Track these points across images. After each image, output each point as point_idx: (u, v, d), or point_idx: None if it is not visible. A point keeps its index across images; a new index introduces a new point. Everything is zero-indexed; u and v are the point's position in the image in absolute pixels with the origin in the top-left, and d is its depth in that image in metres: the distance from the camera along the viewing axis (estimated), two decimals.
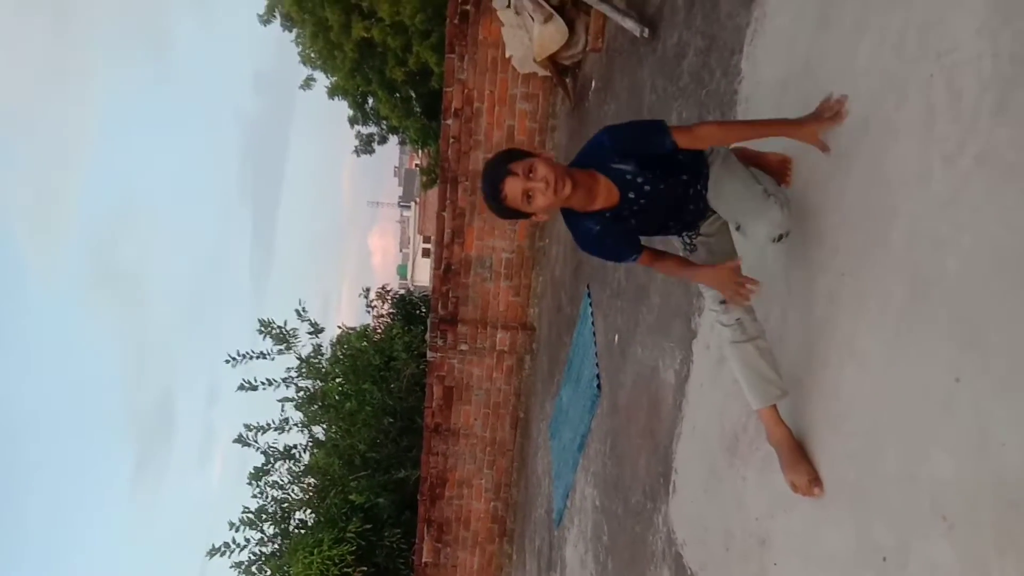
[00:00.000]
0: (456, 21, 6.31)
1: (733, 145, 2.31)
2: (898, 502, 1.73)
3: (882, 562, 1.77)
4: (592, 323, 5.12)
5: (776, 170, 2.36)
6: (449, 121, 6.49)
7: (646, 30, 4.22)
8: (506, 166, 2.01)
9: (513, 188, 2.00)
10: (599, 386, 4.78)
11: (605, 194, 2.09)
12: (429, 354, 6.97)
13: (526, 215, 2.07)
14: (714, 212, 2.22)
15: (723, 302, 2.19)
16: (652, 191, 2.09)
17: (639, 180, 2.07)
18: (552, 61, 5.98)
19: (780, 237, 2.17)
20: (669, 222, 2.22)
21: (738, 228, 2.20)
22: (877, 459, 1.83)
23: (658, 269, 2.41)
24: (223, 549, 8.83)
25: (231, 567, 8.90)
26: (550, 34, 5.73)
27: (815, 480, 2.08)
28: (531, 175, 1.99)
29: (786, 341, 2.32)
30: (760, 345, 2.20)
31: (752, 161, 2.34)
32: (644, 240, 2.26)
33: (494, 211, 2.09)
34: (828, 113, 2.10)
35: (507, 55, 6.24)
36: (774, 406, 2.21)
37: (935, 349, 1.64)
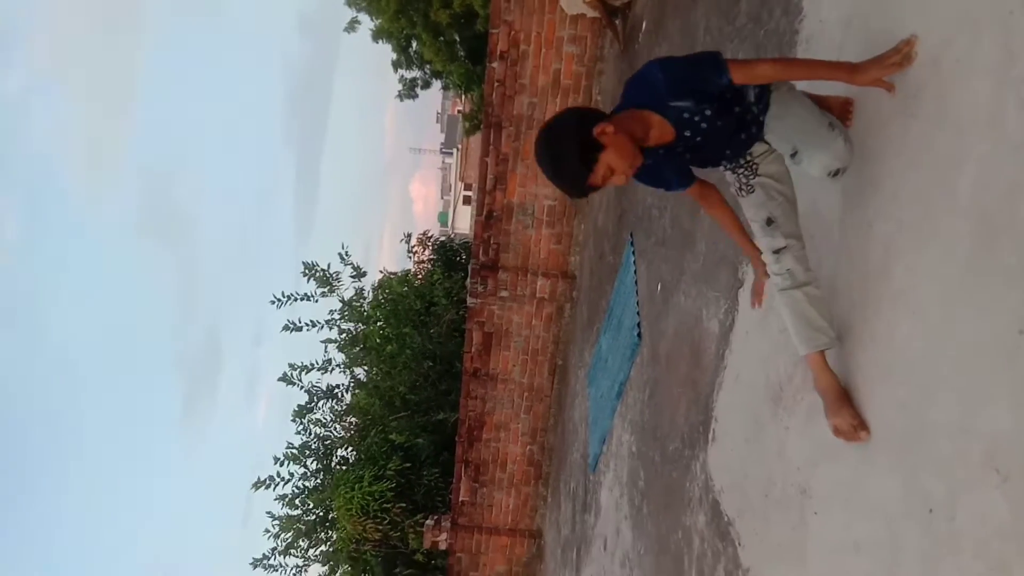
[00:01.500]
0: None
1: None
2: (948, 453, 1.70)
3: (928, 513, 1.75)
4: (635, 271, 5.09)
5: (837, 111, 2.27)
6: (494, 64, 6.39)
7: None
8: (587, 180, 1.92)
9: (598, 191, 1.99)
10: (639, 335, 4.77)
11: (658, 133, 2.03)
12: (469, 300, 7.02)
13: None
14: (766, 143, 2.14)
15: (775, 251, 2.14)
16: (709, 128, 2.02)
17: (696, 119, 2.01)
18: (602, 1, 5.81)
19: (838, 172, 2.10)
20: (724, 151, 2.16)
21: (793, 156, 2.12)
22: (929, 409, 1.79)
23: (706, 210, 2.38)
24: (268, 482, 9.17)
25: (275, 499, 9.25)
26: None
27: (860, 424, 2.05)
28: (613, 176, 1.94)
29: (839, 290, 2.27)
30: (810, 292, 2.15)
31: (812, 100, 2.25)
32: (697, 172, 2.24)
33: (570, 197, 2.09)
34: (895, 57, 2.00)
35: None
36: (822, 353, 2.18)
37: (1000, 299, 1.59)
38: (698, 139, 2.04)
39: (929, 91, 1.91)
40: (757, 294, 2.77)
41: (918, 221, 1.92)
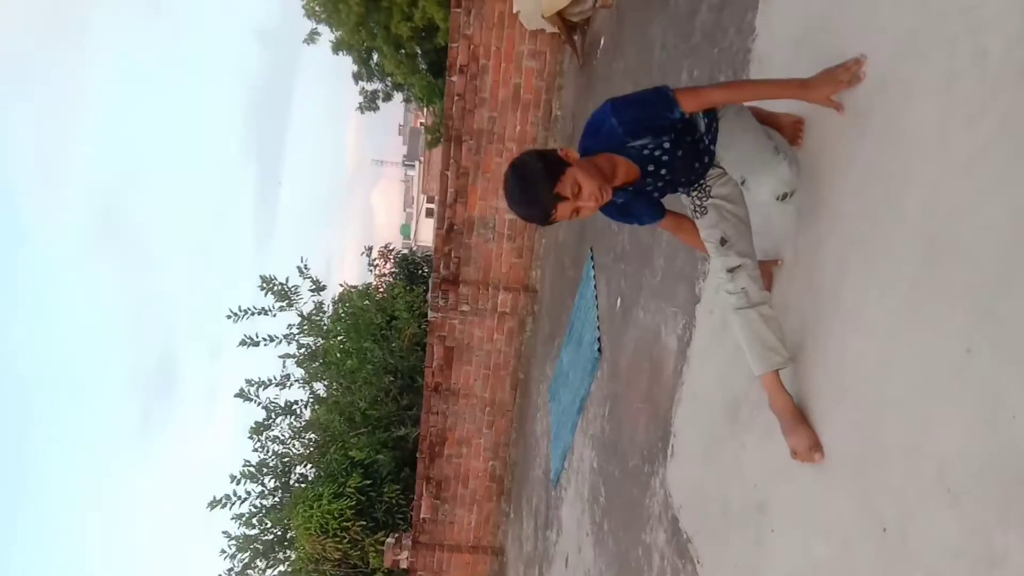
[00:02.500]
0: None
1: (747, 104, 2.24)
2: (901, 473, 1.70)
3: (882, 532, 1.75)
4: (595, 286, 5.08)
5: (788, 131, 2.29)
6: (454, 78, 6.37)
7: None
8: (552, 192, 1.90)
9: (564, 210, 1.94)
10: (600, 349, 4.76)
11: (624, 172, 2.05)
12: (430, 314, 6.96)
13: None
14: (720, 167, 2.16)
15: (730, 270, 2.14)
16: (671, 159, 2.04)
17: (656, 153, 2.02)
18: (561, 17, 5.84)
19: (785, 196, 2.11)
20: (681, 179, 2.17)
21: (743, 183, 2.14)
22: (881, 429, 1.80)
23: (681, 237, 2.40)
24: (224, 501, 8.95)
25: (232, 519, 9.04)
26: None
27: (816, 446, 2.05)
28: (579, 193, 1.92)
29: (791, 309, 2.28)
30: (764, 312, 2.16)
31: (763, 120, 2.27)
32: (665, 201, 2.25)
33: (537, 224, 2.06)
34: (843, 75, 2.02)
35: (514, 10, 6.09)
36: (776, 373, 2.18)
37: (946, 319, 1.60)
38: (662, 171, 2.06)
39: (877, 111, 1.93)
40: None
41: (867, 240, 1.93)
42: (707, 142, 2.11)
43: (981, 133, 1.56)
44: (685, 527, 3.01)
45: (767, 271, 2.38)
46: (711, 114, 2.10)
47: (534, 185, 1.93)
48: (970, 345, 1.52)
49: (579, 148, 2.07)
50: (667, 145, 2.01)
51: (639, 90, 2.05)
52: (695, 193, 2.20)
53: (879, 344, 1.84)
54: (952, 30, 1.67)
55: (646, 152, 2.02)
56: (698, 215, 2.23)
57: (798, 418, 2.13)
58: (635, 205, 2.18)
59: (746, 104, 2.24)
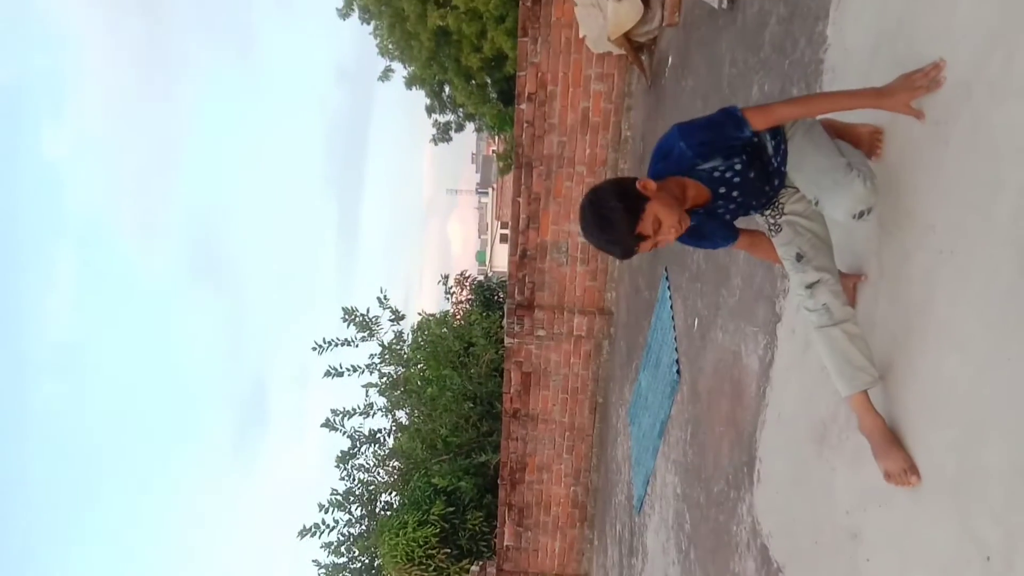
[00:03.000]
0: (529, 3, 6.24)
1: (819, 116, 2.18)
2: (1004, 497, 1.59)
3: (986, 561, 1.64)
4: (671, 307, 5.00)
5: (866, 142, 2.22)
6: (523, 106, 6.44)
7: (725, 0, 4.05)
8: (634, 231, 1.90)
9: (645, 247, 1.95)
10: (679, 371, 4.67)
11: (694, 194, 2.04)
12: (506, 340, 6.98)
13: None
14: (792, 185, 2.11)
15: (808, 286, 2.08)
16: (742, 181, 2.02)
17: (727, 175, 2.00)
18: (627, 39, 5.84)
19: (862, 214, 2.04)
20: (753, 202, 2.13)
21: (816, 203, 2.08)
22: (980, 450, 1.69)
23: (754, 253, 2.37)
24: (313, 530, 9.16)
25: (321, 547, 9.23)
26: (625, 11, 5.59)
27: (911, 468, 1.95)
28: (659, 230, 1.92)
29: (878, 326, 2.18)
30: (848, 329, 2.07)
31: (839, 133, 2.20)
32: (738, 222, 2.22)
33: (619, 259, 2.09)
34: (922, 81, 1.94)
35: (581, 35, 6.13)
36: (865, 393, 2.09)
37: None
38: (734, 193, 2.03)
39: (961, 116, 1.85)
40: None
41: (957, 251, 1.83)
42: (776, 164, 2.06)
43: None
44: (775, 556, 2.89)
45: (850, 286, 2.29)
46: (779, 136, 2.05)
47: (614, 225, 1.92)
48: None
49: (649, 174, 2.06)
50: (738, 167, 1.99)
51: (705, 115, 2.03)
52: (768, 212, 2.16)
53: (975, 360, 1.74)
54: None
55: (716, 175, 2.00)
56: (772, 233, 2.18)
57: (890, 440, 2.03)
58: (707, 227, 2.16)
59: (820, 117, 2.18)
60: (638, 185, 1.92)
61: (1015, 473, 1.57)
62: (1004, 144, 1.69)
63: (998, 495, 1.62)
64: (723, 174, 2.00)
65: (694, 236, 2.17)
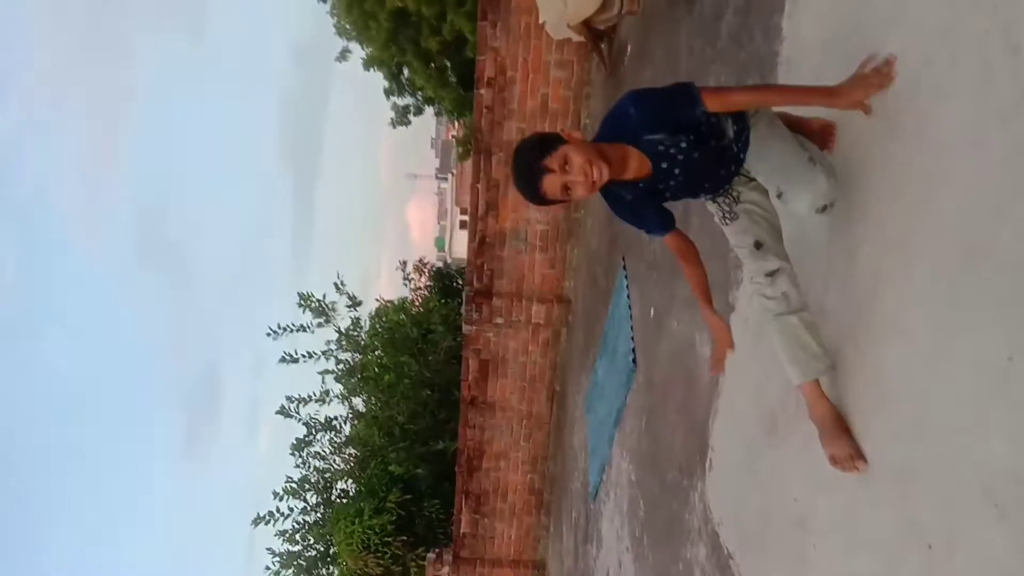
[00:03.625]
0: None
1: (776, 109, 2.19)
2: (946, 487, 1.63)
3: (928, 549, 1.68)
4: (628, 296, 5.03)
5: (819, 136, 2.23)
6: (482, 91, 6.39)
7: None
8: (540, 163, 1.89)
9: (551, 184, 1.91)
10: (635, 360, 4.70)
11: (636, 165, 2.00)
12: (464, 327, 6.96)
13: (564, 202, 2.00)
14: (747, 174, 2.11)
15: (768, 274, 2.08)
16: (686, 159, 1.99)
17: (671, 151, 1.97)
18: (587, 26, 5.81)
19: (825, 208, 2.05)
20: (704, 184, 2.12)
21: (779, 196, 2.08)
22: (924, 441, 1.73)
23: (680, 260, 2.28)
24: (268, 518, 9.04)
25: (275, 535, 9.12)
26: None
27: (857, 454, 1.98)
28: (567, 168, 1.89)
29: (828, 315, 2.21)
30: (804, 317, 2.09)
31: (793, 126, 2.21)
32: (681, 211, 2.20)
33: (531, 203, 2.03)
34: (874, 78, 1.96)
35: (540, 21, 6.08)
36: (817, 381, 2.11)
37: (988, 326, 1.53)
38: (676, 171, 2.00)
39: (910, 112, 1.87)
40: (718, 361, 2.56)
41: (905, 245, 1.86)
42: (736, 149, 2.05)
43: (1017, 131, 1.50)
44: (726, 542, 2.94)
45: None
46: (741, 121, 2.05)
47: (524, 156, 1.94)
48: (1012, 353, 1.45)
49: (595, 136, 2.05)
50: (683, 145, 1.96)
51: (662, 85, 2.02)
52: (721, 199, 2.15)
53: (919, 351, 1.78)
54: (983, 25, 1.61)
55: (660, 148, 1.97)
56: (727, 221, 2.18)
57: (841, 427, 2.06)
58: (644, 206, 2.11)
59: (775, 110, 2.19)
60: (562, 132, 1.95)
61: (957, 462, 1.61)
62: (949, 141, 1.71)
63: (940, 484, 1.65)
64: (667, 149, 1.97)
65: (631, 211, 2.14)
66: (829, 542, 2.15)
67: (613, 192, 2.09)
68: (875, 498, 1.92)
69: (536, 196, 1.95)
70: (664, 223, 2.14)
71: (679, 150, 1.97)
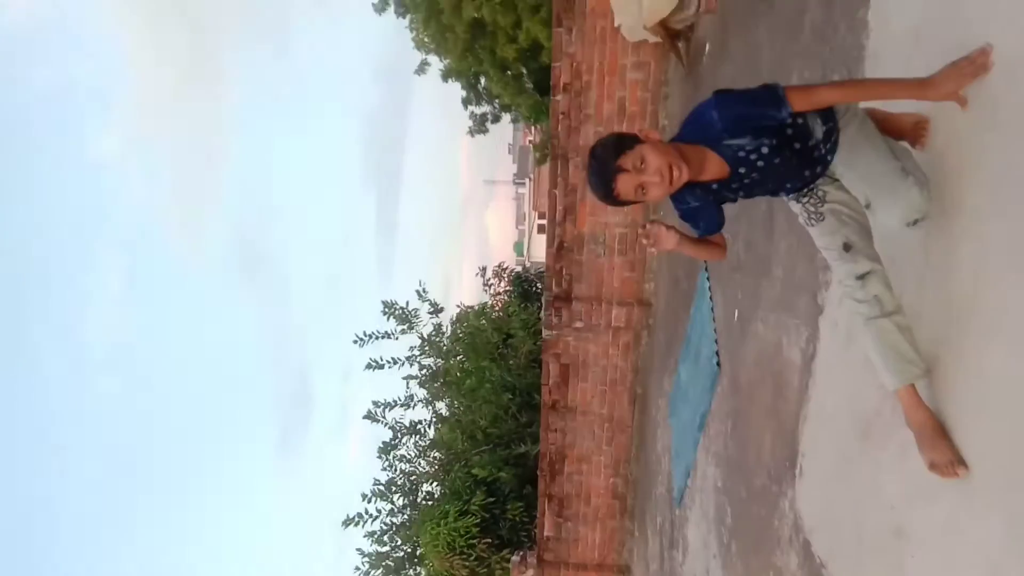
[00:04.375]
0: None
1: (863, 105, 2.12)
2: None
3: None
4: (710, 298, 4.95)
5: (910, 132, 2.16)
6: (558, 97, 6.41)
7: None
8: (615, 163, 1.89)
9: (625, 184, 1.91)
10: (719, 364, 4.62)
11: (715, 169, 1.98)
12: (544, 332, 6.99)
13: (639, 202, 2.01)
14: (833, 176, 2.06)
15: (859, 277, 2.02)
16: (766, 165, 1.96)
17: (752, 156, 1.94)
18: (663, 26, 5.77)
19: (916, 221, 1.98)
20: (785, 185, 2.08)
21: (867, 206, 2.02)
22: None
23: (697, 247, 2.26)
24: (356, 519, 9.30)
25: (364, 536, 9.37)
26: None
27: (958, 460, 1.90)
28: (643, 167, 1.89)
29: (924, 318, 2.13)
30: (898, 321, 2.02)
31: (883, 123, 2.15)
32: (764, 209, 2.18)
33: (605, 203, 2.03)
34: (968, 67, 1.88)
35: (616, 24, 6.07)
36: (913, 386, 2.04)
37: None
38: (754, 174, 1.98)
39: (1007, 102, 1.79)
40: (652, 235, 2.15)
41: (1006, 241, 1.78)
42: (823, 151, 2.00)
43: None
44: (818, 551, 2.85)
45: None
46: (831, 121, 1.99)
47: (600, 158, 1.93)
48: None
49: (675, 137, 2.03)
50: (765, 150, 1.93)
51: (747, 87, 1.99)
52: (807, 200, 2.11)
53: (1023, 353, 1.69)
54: None
55: (741, 154, 1.95)
56: (813, 222, 2.13)
57: (940, 432, 1.98)
58: (707, 210, 2.11)
59: (863, 105, 2.12)
60: (640, 132, 1.94)
61: None
62: None
63: None
64: (748, 155, 1.94)
65: (690, 212, 2.13)
66: (929, 552, 2.07)
67: (682, 194, 2.09)
68: (977, 507, 1.83)
69: (610, 196, 1.94)
70: (714, 227, 2.17)
71: (760, 156, 1.94)
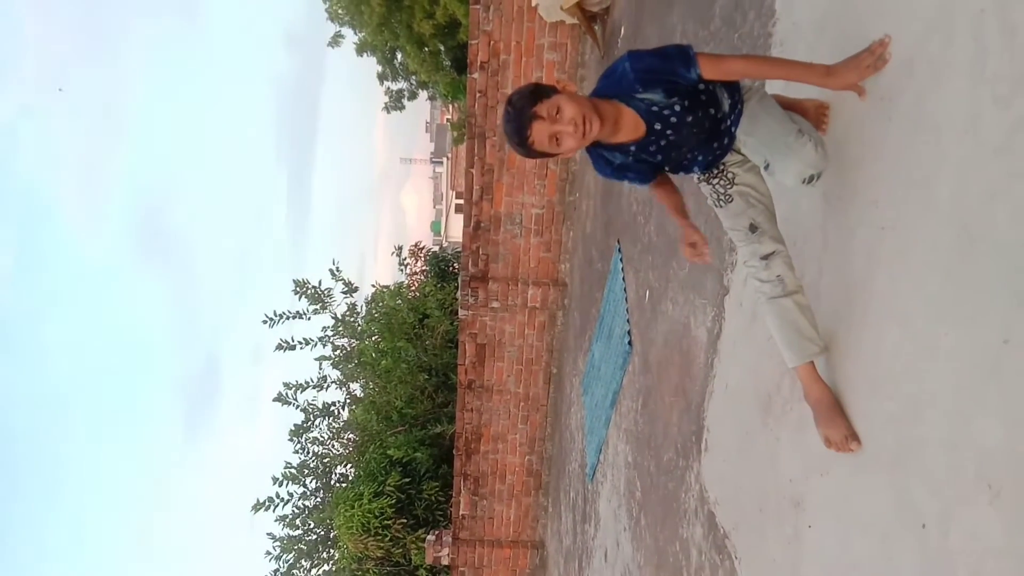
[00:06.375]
0: None
1: (769, 90, 2.18)
2: (940, 468, 1.65)
3: (921, 529, 1.69)
4: (623, 279, 5.04)
5: (812, 116, 2.23)
6: (475, 75, 6.35)
7: None
8: (530, 109, 1.86)
9: (540, 132, 1.88)
10: (630, 343, 4.72)
11: (631, 126, 1.98)
12: (461, 312, 6.96)
13: (552, 154, 1.98)
14: (739, 152, 2.11)
15: (763, 257, 2.08)
16: (679, 122, 1.97)
17: (665, 112, 1.96)
18: (580, 8, 5.78)
19: (812, 178, 2.05)
20: (697, 155, 2.11)
21: (766, 167, 2.08)
22: (918, 422, 1.74)
23: (656, 195, 2.28)
24: (267, 503, 9.09)
25: (275, 520, 9.18)
26: None
27: (852, 435, 2.00)
28: (558, 116, 1.87)
29: (822, 298, 2.22)
30: (799, 300, 2.10)
31: (787, 107, 2.21)
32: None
33: (519, 153, 1.99)
34: (868, 59, 1.95)
35: (533, 3, 6.04)
36: (812, 363, 2.13)
37: (983, 309, 1.54)
38: (668, 132, 1.99)
39: (904, 93, 1.87)
40: (697, 246, 2.21)
41: (899, 228, 1.87)
42: (729, 123, 2.05)
43: (1013, 113, 1.49)
44: (722, 522, 2.96)
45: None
46: (736, 95, 2.04)
47: (516, 105, 1.90)
48: (1008, 336, 1.46)
49: (591, 93, 2.03)
50: (677, 107, 1.95)
51: (663, 45, 2.00)
52: (716, 181, 2.15)
53: (914, 334, 1.78)
54: (979, 5, 1.60)
55: (654, 108, 1.96)
56: (721, 203, 2.18)
57: (836, 408, 2.07)
58: (633, 167, 2.11)
59: (769, 93, 2.18)
60: (557, 84, 1.93)
61: (949, 445, 1.62)
62: (944, 121, 1.71)
63: (934, 465, 1.67)
64: (661, 109, 1.96)
65: (615, 171, 2.14)
66: (824, 522, 2.17)
67: (601, 154, 2.09)
68: (869, 480, 1.93)
69: (523, 144, 1.91)
70: (650, 174, 2.15)
71: (672, 112, 1.96)
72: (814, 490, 2.23)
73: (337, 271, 10.00)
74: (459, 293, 6.99)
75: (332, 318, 9.90)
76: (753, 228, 2.11)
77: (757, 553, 2.63)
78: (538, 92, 1.90)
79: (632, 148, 2.04)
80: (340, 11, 9.82)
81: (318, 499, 9.48)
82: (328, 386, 9.86)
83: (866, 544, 1.92)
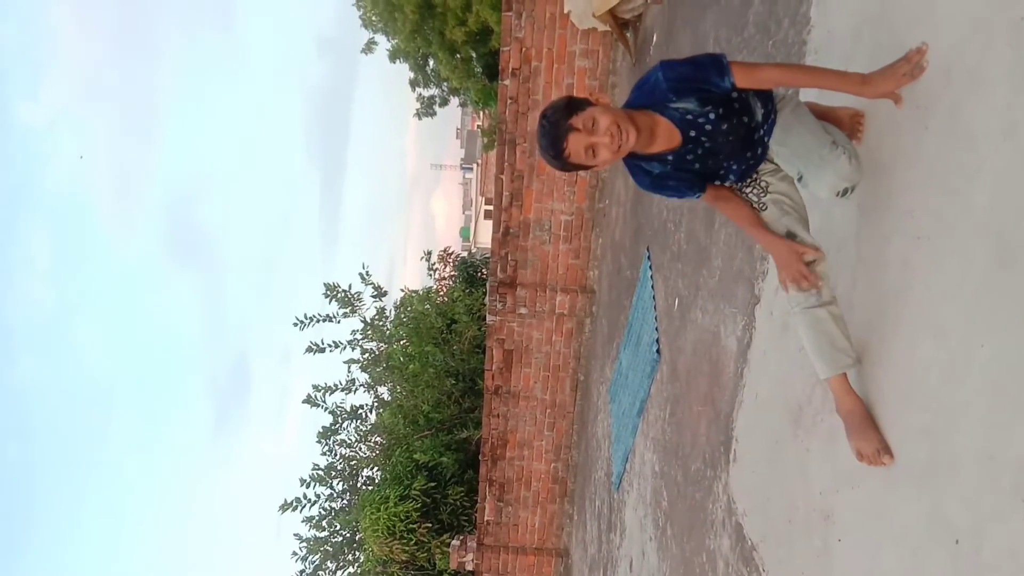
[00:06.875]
0: None
1: (803, 97, 2.17)
2: (974, 482, 1.62)
3: (955, 544, 1.66)
4: (652, 286, 5.01)
5: (847, 125, 2.21)
6: (506, 81, 6.38)
7: None
8: (566, 122, 1.88)
9: (576, 145, 1.89)
10: (659, 351, 4.69)
11: (666, 136, 1.98)
12: (488, 318, 6.98)
13: (588, 167, 1.99)
14: (773, 161, 2.09)
15: None
16: (714, 130, 1.97)
17: (700, 120, 1.95)
18: (612, 15, 5.78)
19: (846, 191, 2.03)
20: (731, 164, 2.09)
21: (800, 179, 2.07)
22: (953, 436, 1.71)
23: (721, 209, 2.25)
24: (294, 504, 9.18)
25: (302, 521, 9.26)
26: None
27: (884, 448, 1.97)
28: (593, 128, 1.88)
29: (856, 309, 2.20)
30: (833, 311, 2.07)
31: (821, 116, 2.19)
32: (706, 206, 2.18)
33: (555, 167, 2.00)
34: (905, 68, 1.93)
35: (565, 10, 6.06)
36: (844, 375, 2.10)
37: (1019, 319, 1.51)
38: (704, 140, 1.99)
39: (941, 101, 1.84)
40: (801, 274, 2.06)
41: (935, 237, 1.84)
42: (762, 132, 2.04)
43: None
44: (750, 534, 2.93)
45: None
46: (770, 104, 2.03)
47: (551, 118, 1.91)
48: None
49: (625, 104, 2.03)
50: (712, 115, 1.95)
51: (695, 55, 2.00)
52: (749, 190, 2.14)
53: (949, 345, 1.76)
54: (1018, 13, 1.58)
55: (689, 117, 1.95)
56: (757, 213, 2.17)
57: (868, 421, 2.05)
58: (673, 176, 2.09)
59: (803, 101, 2.17)
60: (590, 96, 1.93)
61: (985, 458, 1.59)
62: (981, 130, 1.69)
63: (968, 479, 1.64)
64: (695, 118, 1.95)
65: (657, 184, 2.12)
66: (854, 536, 2.14)
67: (639, 165, 2.09)
68: (901, 493, 1.90)
69: (559, 157, 1.92)
70: (697, 186, 2.11)
71: (707, 120, 1.95)
72: (844, 503, 2.20)
73: (367, 275, 10.09)
74: (487, 298, 7.01)
75: (361, 321, 9.98)
76: (790, 236, 2.09)
77: (785, 566, 2.59)
78: (573, 105, 1.91)
79: (669, 157, 2.04)
80: (374, 18, 9.93)
81: (344, 501, 9.55)
82: (356, 389, 9.94)
83: (897, 559, 1.89)
